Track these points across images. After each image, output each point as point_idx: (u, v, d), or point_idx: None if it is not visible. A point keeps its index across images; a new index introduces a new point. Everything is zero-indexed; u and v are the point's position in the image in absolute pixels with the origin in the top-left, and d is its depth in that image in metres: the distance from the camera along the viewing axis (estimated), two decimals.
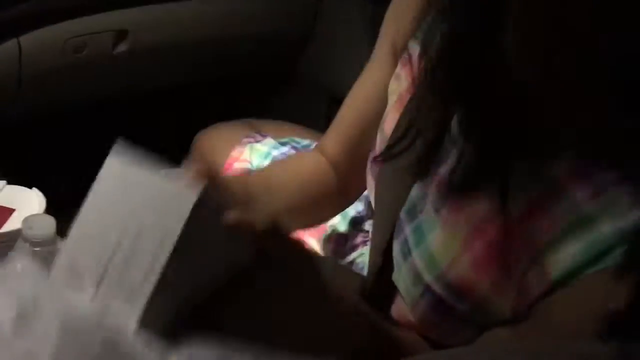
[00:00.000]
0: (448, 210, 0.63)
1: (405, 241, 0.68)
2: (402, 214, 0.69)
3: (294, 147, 1.14)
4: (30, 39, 1.19)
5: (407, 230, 0.68)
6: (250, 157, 1.12)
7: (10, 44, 1.16)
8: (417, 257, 0.66)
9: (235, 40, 1.46)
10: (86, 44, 1.26)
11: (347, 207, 0.93)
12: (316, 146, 0.94)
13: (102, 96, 1.40)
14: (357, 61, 1.49)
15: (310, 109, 1.62)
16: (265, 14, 1.47)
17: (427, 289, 0.64)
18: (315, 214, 0.89)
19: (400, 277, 0.68)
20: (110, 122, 1.54)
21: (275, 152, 1.12)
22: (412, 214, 0.68)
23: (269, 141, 1.15)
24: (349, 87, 1.58)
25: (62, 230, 0.86)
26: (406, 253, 0.67)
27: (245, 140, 1.16)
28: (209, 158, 1.19)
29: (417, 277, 0.65)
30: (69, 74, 1.27)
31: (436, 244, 0.64)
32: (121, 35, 1.30)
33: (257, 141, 1.16)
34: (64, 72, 1.26)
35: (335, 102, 1.58)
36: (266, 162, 1.10)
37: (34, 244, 0.80)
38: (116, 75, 1.36)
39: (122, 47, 1.31)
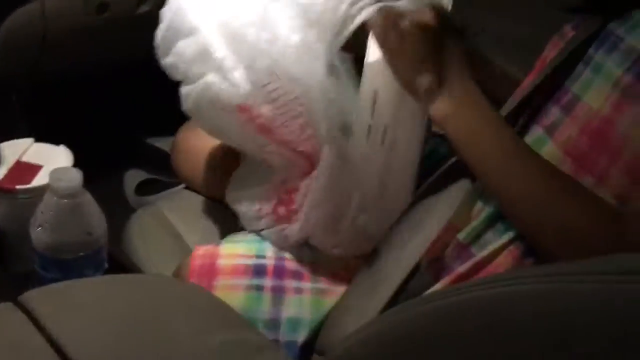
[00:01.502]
0: None
1: None
2: None
3: None
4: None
5: None
6: None
7: (35, 4, 1.17)
8: None
9: None
10: (109, 4, 1.26)
11: None
12: None
13: (125, 56, 1.41)
14: None
15: None
16: None
17: None
18: None
19: None
20: (132, 82, 1.55)
21: None
22: None
23: None
24: None
25: (88, 184, 0.87)
26: None
27: None
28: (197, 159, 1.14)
29: None
30: (93, 34, 1.28)
31: None
32: None
33: None
34: (88, 32, 1.27)
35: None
36: None
37: (61, 195, 0.81)
38: (139, 35, 1.36)
39: (144, 7, 1.31)
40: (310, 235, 0.92)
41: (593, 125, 0.75)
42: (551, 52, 0.88)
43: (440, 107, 0.79)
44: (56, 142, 1.00)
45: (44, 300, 0.75)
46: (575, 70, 0.80)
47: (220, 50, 0.87)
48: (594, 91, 0.76)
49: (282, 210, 0.94)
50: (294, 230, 0.92)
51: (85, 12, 1.24)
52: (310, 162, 0.90)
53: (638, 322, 0.43)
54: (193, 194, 1.21)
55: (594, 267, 0.48)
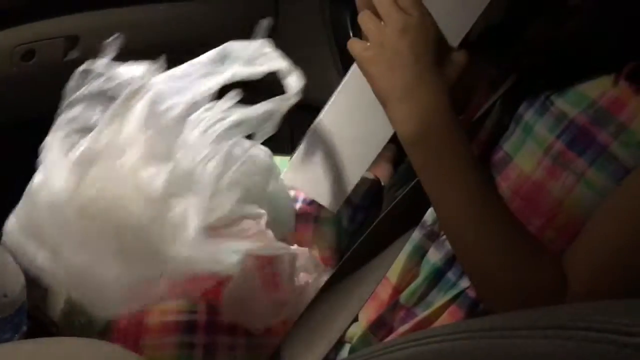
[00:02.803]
0: None
1: None
2: None
3: None
4: None
5: None
6: None
7: None
8: None
9: (190, 46, 1.43)
10: (36, 51, 1.22)
11: None
12: None
13: (53, 105, 1.36)
14: (318, 62, 1.47)
15: None
16: (221, 17, 1.45)
17: None
18: None
19: None
20: None
21: None
22: None
23: None
24: (311, 89, 1.56)
25: None
26: None
27: None
28: None
29: None
30: (18, 82, 1.23)
31: None
32: (72, 41, 1.26)
33: None
34: (13, 80, 1.22)
35: (298, 105, 1.56)
36: None
37: None
38: (67, 83, 1.33)
39: (73, 54, 1.27)
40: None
41: (525, 188, 0.73)
42: (482, 101, 0.88)
43: (399, 114, 0.70)
44: None
45: None
46: (509, 129, 0.78)
47: None
48: (525, 153, 0.74)
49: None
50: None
51: (10, 59, 1.20)
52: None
53: None
54: None
55: (534, 322, 0.46)
